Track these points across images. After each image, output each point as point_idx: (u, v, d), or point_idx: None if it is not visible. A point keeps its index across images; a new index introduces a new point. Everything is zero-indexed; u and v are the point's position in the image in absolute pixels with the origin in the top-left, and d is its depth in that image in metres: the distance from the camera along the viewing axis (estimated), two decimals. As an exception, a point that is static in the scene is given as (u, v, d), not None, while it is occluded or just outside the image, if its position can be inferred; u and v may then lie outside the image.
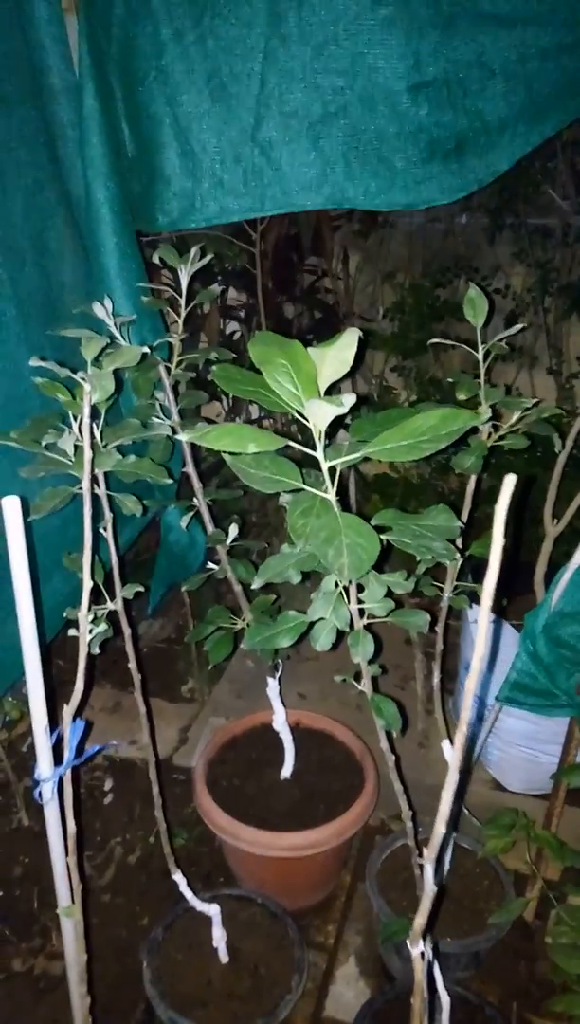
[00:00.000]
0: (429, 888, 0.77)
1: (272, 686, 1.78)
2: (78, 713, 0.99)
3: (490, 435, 1.36)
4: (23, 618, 0.90)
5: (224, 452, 0.91)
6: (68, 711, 0.98)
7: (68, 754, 0.97)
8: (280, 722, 1.83)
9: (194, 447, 1.64)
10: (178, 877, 1.41)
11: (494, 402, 1.32)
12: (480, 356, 1.32)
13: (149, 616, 2.85)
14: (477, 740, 2.02)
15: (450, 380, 1.41)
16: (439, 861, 0.78)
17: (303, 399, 0.87)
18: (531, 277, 3.11)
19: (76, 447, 1.19)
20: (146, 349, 1.10)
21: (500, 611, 2.07)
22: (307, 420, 0.89)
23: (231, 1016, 1.46)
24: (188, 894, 1.43)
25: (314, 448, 0.88)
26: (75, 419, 1.20)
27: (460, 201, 3.20)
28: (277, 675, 1.78)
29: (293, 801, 1.85)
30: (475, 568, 1.71)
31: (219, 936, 1.52)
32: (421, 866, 0.85)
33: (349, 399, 0.80)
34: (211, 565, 1.67)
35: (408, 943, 0.83)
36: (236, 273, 2.97)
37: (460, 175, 1.64)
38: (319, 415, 0.82)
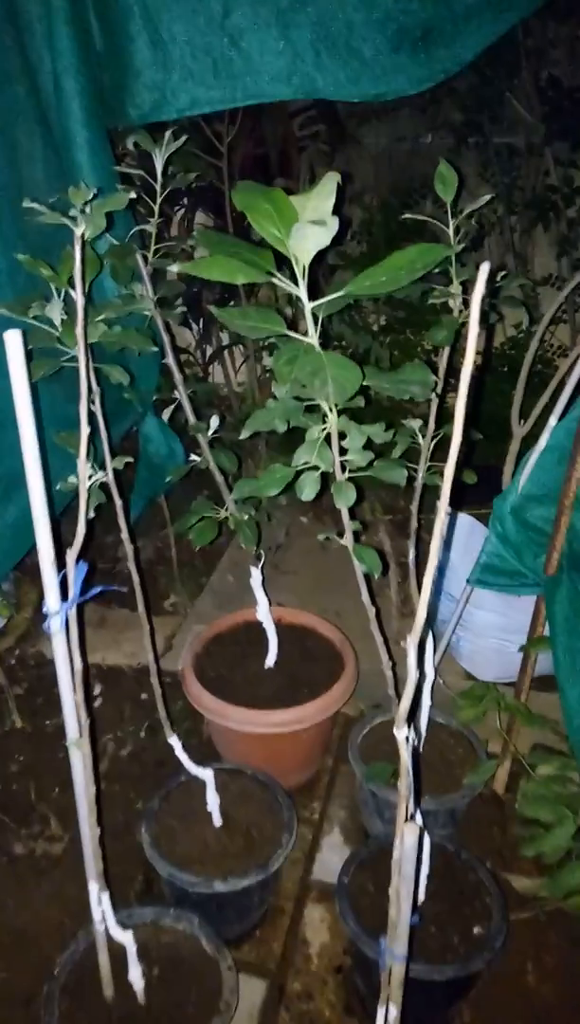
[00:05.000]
0: (412, 673, 0.85)
1: (255, 576, 1.85)
2: (80, 557, 1.05)
3: (462, 312, 1.42)
4: (25, 440, 0.95)
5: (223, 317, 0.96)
6: (71, 554, 1.04)
7: (73, 591, 1.03)
8: (263, 612, 1.90)
9: (174, 342, 1.67)
10: (173, 740, 1.49)
11: (464, 279, 1.38)
12: (451, 231, 1.37)
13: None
14: (447, 630, 2.12)
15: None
16: (421, 648, 0.86)
17: (286, 242, 0.92)
18: (498, 199, 3.14)
19: (63, 321, 1.23)
20: (132, 195, 1.12)
21: (460, 500, 2.17)
22: (288, 275, 0.94)
23: (227, 870, 1.55)
24: (183, 757, 1.52)
25: (297, 284, 0.93)
26: (58, 293, 1.24)
27: (425, 120, 3.23)
28: (260, 565, 1.85)
29: (277, 687, 1.94)
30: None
31: (213, 801, 1.61)
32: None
33: (333, 222, 0.85)
34: (194, 457, 1.72)
35: (394, 730, 0.91)
36: (203, 193, 2.96)
37: (427, 65, 1.66)
38: (302, 246, 0.87)
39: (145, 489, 2.23)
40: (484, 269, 0.68)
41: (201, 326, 3.34)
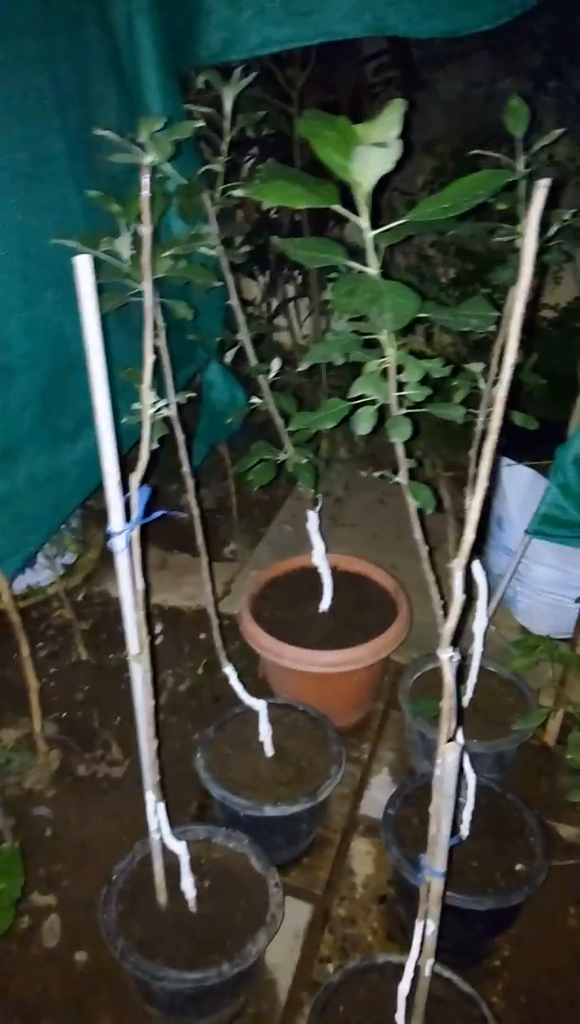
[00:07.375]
0: (457, 595, 0.87)
1: (312, 520, 1.89)
2: (143, 482, 1.10)
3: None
4: (93, 366, 0.99)
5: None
6: (135, 478, 1.09)
7: (137, 512, 1.08)
8: (319, 555, 1.94)
9: (238, 284, 1.69)
10: (229, 670, 1.55)
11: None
12: (520, 167, 1.35)
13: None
14: (503, 584, 2.11)
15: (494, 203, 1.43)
16: (467, 571, 0.88)
17: (349, 167, 0.92)
18: (576, 147, 3.03)
19: (131, 256, 1.27)
20: (198, 122, 1.14)
21: (522, 452, 2.15)
22: (351, 200, 0.94)
23: (277, 797, 1.62)
24: (237, 687, 1.58)
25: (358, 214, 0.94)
26: (127, 228, 1.27)
27: (502, 64, 3.12)
28: (317, 509, 1.88)
29: (330, 630, 1.98)
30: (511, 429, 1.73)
31: (265, 731, 1.67)
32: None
33: (396, 145, 0.85)
34: (255, 400, 1.75)
35: (438, 651, 0.94)
36: (273, 145, 2.94)
37: (502, 0, 1.61)
38: (364, 170, 0.88)
39: (207, 436, 2.28)
40: (543, 184, 0.68)
41: (268, 278, 3.35)
